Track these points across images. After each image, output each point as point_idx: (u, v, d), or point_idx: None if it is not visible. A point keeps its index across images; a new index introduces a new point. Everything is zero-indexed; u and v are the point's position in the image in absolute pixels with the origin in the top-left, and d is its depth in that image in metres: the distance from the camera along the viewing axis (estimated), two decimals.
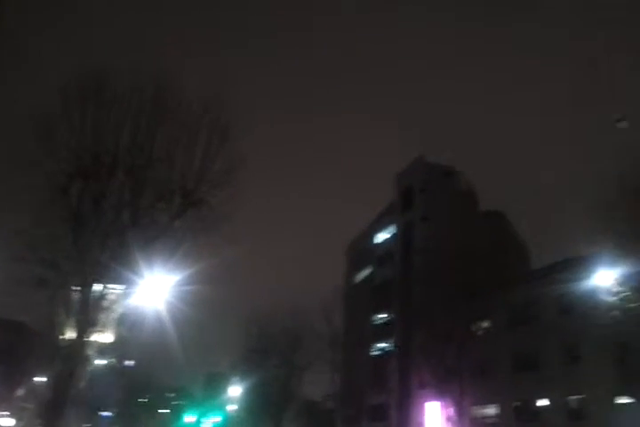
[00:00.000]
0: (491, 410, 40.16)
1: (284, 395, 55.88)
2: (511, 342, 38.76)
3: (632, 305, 23.86)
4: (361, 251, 61.47)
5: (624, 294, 23.95)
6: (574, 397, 33.85)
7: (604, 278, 24.39)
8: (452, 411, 40.96)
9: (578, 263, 29.85)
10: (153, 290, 19.76)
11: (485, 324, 42.57)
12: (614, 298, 24.47)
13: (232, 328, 66.77)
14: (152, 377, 72.80)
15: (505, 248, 48.11)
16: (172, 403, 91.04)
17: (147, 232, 19.48)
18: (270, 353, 55.89)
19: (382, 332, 53.27)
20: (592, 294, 27.11)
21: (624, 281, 23.65)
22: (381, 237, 58.36)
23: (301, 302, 51.59)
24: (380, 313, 54.31)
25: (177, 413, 78.82)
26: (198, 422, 66.03)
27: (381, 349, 54.06)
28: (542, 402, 36.10)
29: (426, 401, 44.52)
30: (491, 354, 39.83)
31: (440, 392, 41.70)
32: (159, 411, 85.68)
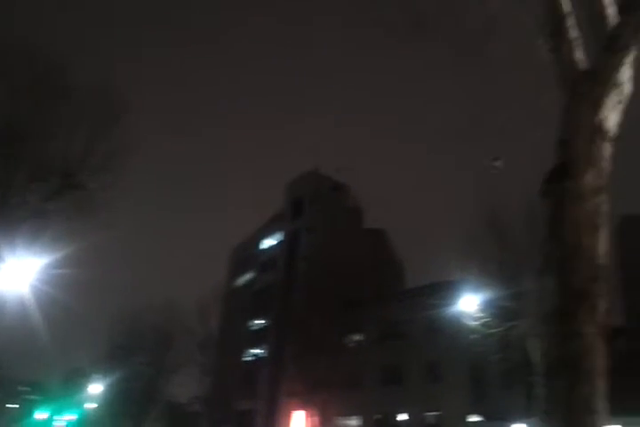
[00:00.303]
0: (353, 422, 41.08)
1: (149, 395, 53.90)
2: (380, 357, 40.03)
3: (491, 331, 25.41)
4: (246, 255, 61.26)
5: (484, 320, 25.49)
6: (432, 413, 35.48)
7: (469, 303, 25.89)
8: (316, 421, 41.55)
9: (447, 287, 31.48)
10: (16, 273, 18.38)
11: (358, 337, 43.72)
12: (476, 323, 25.99)
13: (101, 322, 63.70)
14: (2, 368, 67.30)
15: (383, 265, 50.27)
16: (24, 398, 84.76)
17: (16, 213, 18.22)
18: (137, 351, 53.64)
19: (257, 338, 53.10)
20: (457, 317, 28.70)
21: (485, 307, 25.26)
22: (267, 243, 58.42)
23: (178, 301, 50.31)
24: (257, 319, 54.14)
25: (28, 408, 73.52)
26: (51, 419, 62.02)
27: (255, 355, 53.83)
28: (402, 416, 37.49)
29: (293, 410, 44.84)
30: (360, 367, 40.90)
31: (307, 402, 42.16)
32: (7, 406, 79.38)
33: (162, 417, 59.97)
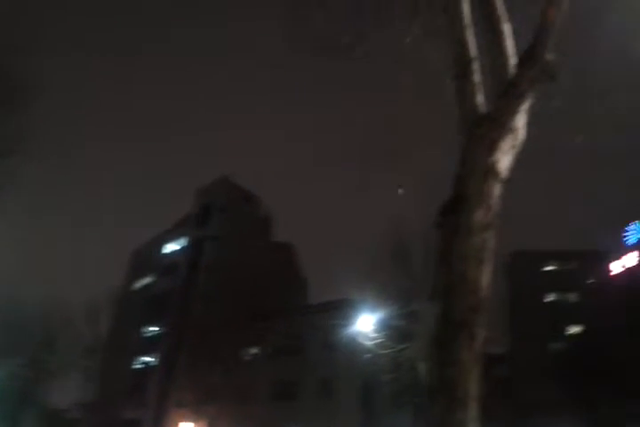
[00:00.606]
0: None
1: (24, 397, 50.41)
2: (275, 371, 39.92)
3: (384, 351, 26.06)
4: (146, 258, 59.03)
5: (379, 340, 26.13)
6: None
7: (365, 323, 26.50)
8: None
9: (346, 305, 32.10)
10: None
11: (255, 350, 43.40)
12: (371, 343, 26.59)
13: None
14: None
15: (288, 280, 50.35)
16: None
17: None
18: (14, 350, 49.64)
19: (150, 345, 51.22)
20: (353, 335, 29.26)
21: (381, 328, 25.94)
22: (170, 247, 56.65)
23: (66, 301, 47.40)
24: (152, 325, 52.34)
25: None
26: None
27: (146, 362, 51.96)
28: None
29: (181, 421, 43.66)
30: (254, 381, 40.51)
31: (197, 413, 41.19)
32: None
33: (39, 422, 56.27)
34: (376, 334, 25.93)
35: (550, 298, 54.96)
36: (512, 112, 4.62)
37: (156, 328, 51.77)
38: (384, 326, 25.72)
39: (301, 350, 39.26)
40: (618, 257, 49.99)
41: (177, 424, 43.98)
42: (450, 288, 4.36)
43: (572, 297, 54.36)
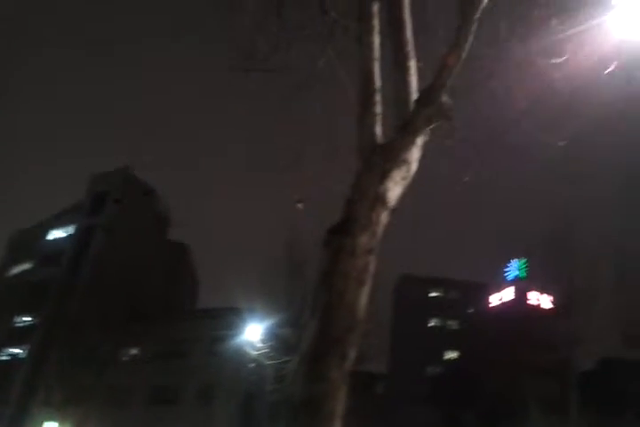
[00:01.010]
0: None
1: None
2: (155, 374, 38.60)
3: (269, 362, 26.04)
4: (28, 242, 54.91)
5: (264, 351, 26.09)
6: None
7: (253, 332, 26.41)
8: None
9: (235, 313, 31.87)
10: None
11: (135, 351, 41.81)
12: (256, 352, 26.49)
13: None
14: None
15: (179, 281, 48.89)
16: None
17: None
18: None
19: (20, 335, 47.77)
20: (240, 344, 29.03)
21: (267, 338, 25.94)
22: (56, 234, 53.11)
23: None
24: (25, 315, 48.86)
25: None
26: None
27: (13, 354, 48.42)
28: None
29: (45, 421, 41.05)
30: (131, 383, 38.95)
31: (64, 414, 38.94)
32: None
33: None
34: (262, 345, 25.91)
35: (432, 323, 57.41)
36: (407, 145, 4.85)
37: (29, 319, 48.41)
38: (271, 337, 25.75)
39: (184, 354, 38.28)
40: (497, 290, 53.11)
41: (41, 424, 41.36)
42: (328, 306, 4.44)
43: (453, 324, 57.11)
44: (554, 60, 5.13)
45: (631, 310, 31.52)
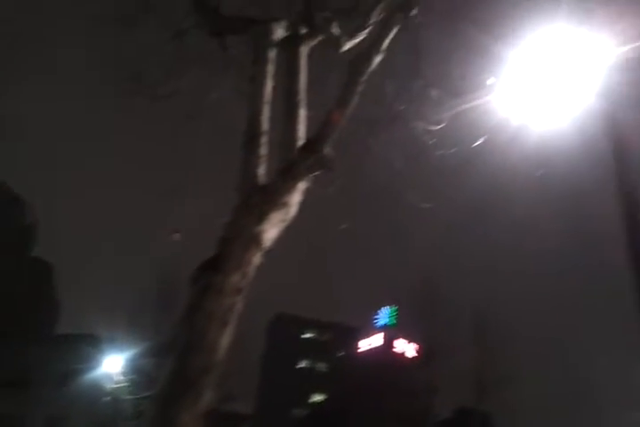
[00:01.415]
0: None
1: None
2: None
3: (127, 397, 24.57)
4: None
5: (123, 385, 24.62)
6: None
7: (113, 364, 24.83)
8: None
9: (95, 341, 30.06)
10: None
11: None
12: (115, 386, 24.94)
13: None
14: None
15: (39, 301, 45.13)
16: None
17: None
18: None
19: None
20: (97, 376, 27.20)
21: (128, 371, 24.50)
22: None
23: None
24: None
25: None
26: None
27: None
28: None
29: None
30: None
31: None
32: None
33: None
34: (122, 378, 24.43)
35: (302, 364, 57.34)
36: (287, 189, 4.91)
37: None
38: (132, 370, 24.36)
39: (33, 382, 35.08)
40: (367, 336, 54.12)
41: None
42: (187, 346, 4.29)
43: (322, 366, 57.34)
44: (431, 127, 5.49)
45: (485, 366, 33.37)
